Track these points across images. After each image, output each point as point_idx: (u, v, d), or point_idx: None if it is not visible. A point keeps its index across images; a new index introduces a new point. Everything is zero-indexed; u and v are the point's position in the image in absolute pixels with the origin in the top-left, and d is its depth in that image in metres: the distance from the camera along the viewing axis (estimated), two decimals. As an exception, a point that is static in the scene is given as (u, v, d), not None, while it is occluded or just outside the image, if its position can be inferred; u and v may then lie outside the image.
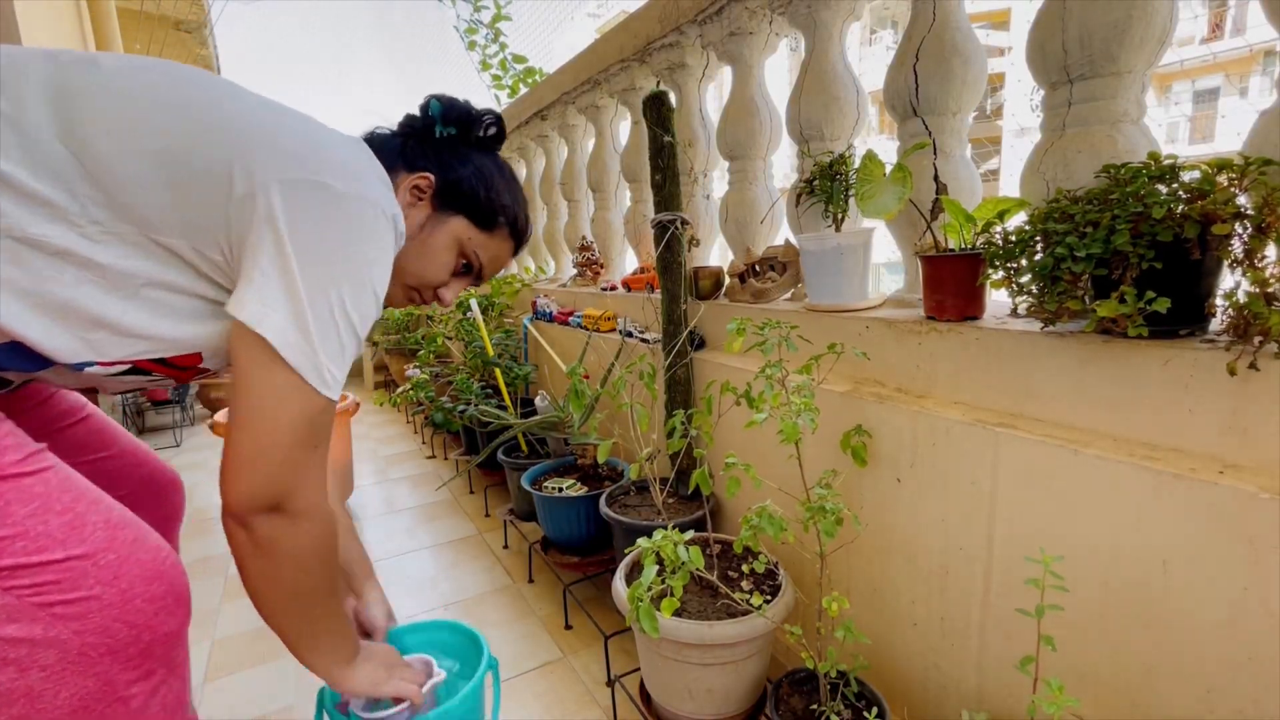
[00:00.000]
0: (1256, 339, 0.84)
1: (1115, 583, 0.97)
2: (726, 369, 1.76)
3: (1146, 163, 0.99)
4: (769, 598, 1.27)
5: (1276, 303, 0.84)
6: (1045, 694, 0.80)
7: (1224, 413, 0.89)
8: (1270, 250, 0.87)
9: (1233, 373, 0.84)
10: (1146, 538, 0.93)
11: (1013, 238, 1.10)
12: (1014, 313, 1.14)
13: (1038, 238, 1.05)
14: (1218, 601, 0.86)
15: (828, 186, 1.55)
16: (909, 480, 1.28)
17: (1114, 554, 0.97)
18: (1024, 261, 1.07)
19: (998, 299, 1.32)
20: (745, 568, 1.40)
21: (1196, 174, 0.93)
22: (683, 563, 1.07)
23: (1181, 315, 0.95)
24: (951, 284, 1.27)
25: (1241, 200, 0.90)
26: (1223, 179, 0.91)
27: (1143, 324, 0.91)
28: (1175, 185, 0.93)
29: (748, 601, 1.24)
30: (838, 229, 1.56)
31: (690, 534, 1.22)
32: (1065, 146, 1.17)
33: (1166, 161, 0.97)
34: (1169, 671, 0.93)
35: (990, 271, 1.15)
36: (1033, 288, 1.06)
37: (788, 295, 1.84)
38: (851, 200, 1.55)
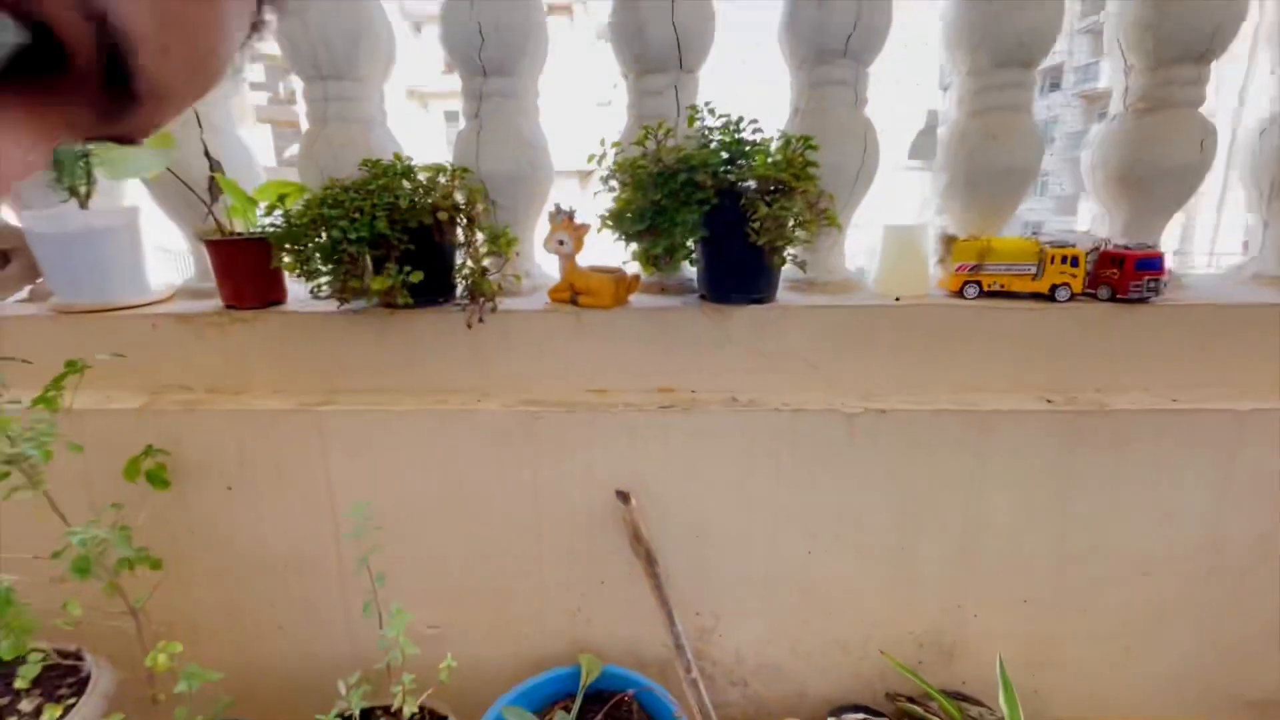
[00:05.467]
0: (481, 300, 1.15)
1: (431, 504, 1.18)
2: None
3: (393, 162, 1.18)
4: (73, 700, 0.95)
5: (488, 273, 1.17)
6: (392, 622, 0.90)
7: (472, 357, 1.19)
8: (479, 236, 1.19)
9: (469, 326, 1.14)
10: (445, 462, 1.16)
11: (296, 221, 1.12)
12: (314, 294, 1.19)
13: (318, 221, 1.11)
14: (495, 502, 1.17)
15: (53, 149, 1.18)
16: (241, 484, 1.18)
17: (426, 480, 1.17)
18: (309, 244, 1.11)
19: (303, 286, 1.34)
20: (20, 682, 0.99)
21: (426, 175, 1.18)
22: None
23: (439, 287, 1.19)
24: (246, 269, 1.20)
25: (460, 197, 1.20)
26: (443, 179, 1.18)
27: (408, 295, 1.10)
28: (413, 182, 1.15)
29: (33, 722, 0.89)
30: (83, 205, 1.23)
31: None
32: (331, 138, 1.27)
33: (407, 162, 1.19)
34: (479, 558, 1.21)
35: (282, 255, 1.15)
36: (321, 269, 1.12)
37: (23, 295, 1.34)
38: (101, 171, 1.24)
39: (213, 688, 0.98)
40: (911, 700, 1.17)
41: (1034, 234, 1.22)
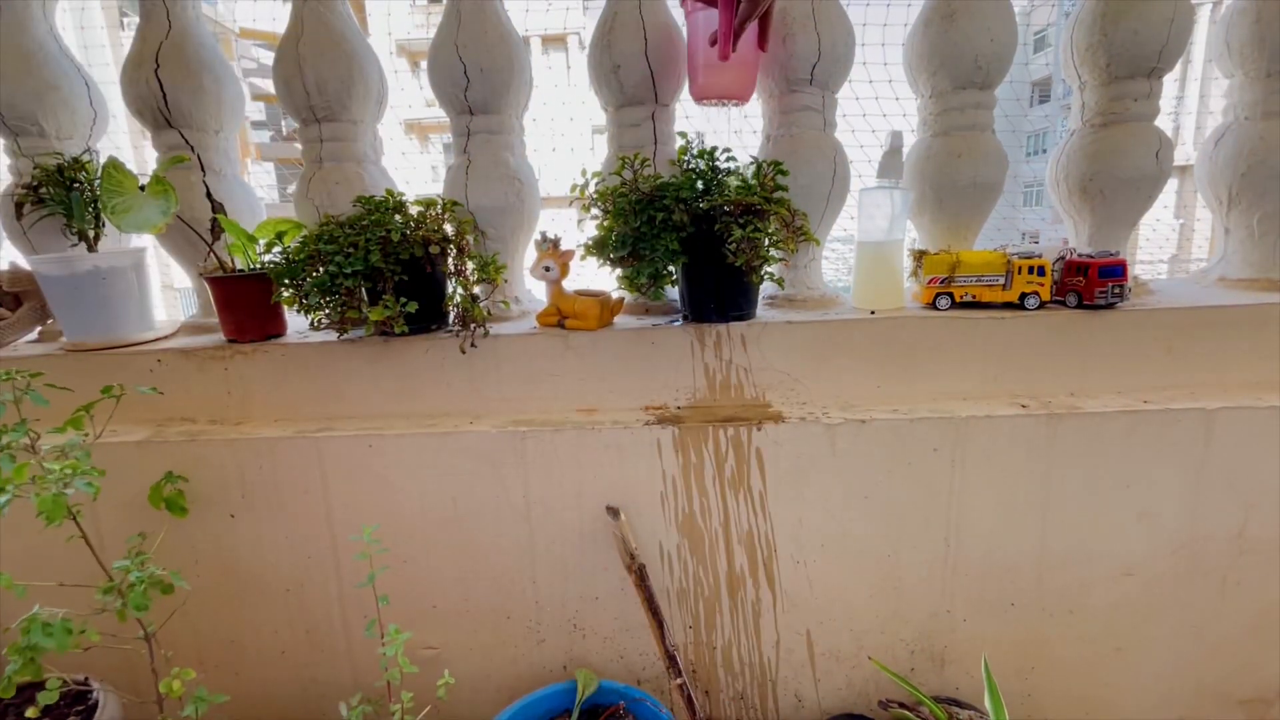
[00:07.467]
0: (472, 326, 1.19)
1: (427, 526, 1.22)
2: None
3: (385, 197, 1.24)
4: (81, 725, 0.98)
5: (478, 300, 1.21)
6: (391, 641, 0.93)
7: (465, 381, 1.23)
8: (469, 265, 1.24)
9: (463, 350, 1.18)
10: (440, 484, 1.20)
11: (294, 257, 1.17)
12: (313, 326, 1.23)
13: (315, 257, 1.16)
14: (488, 521, 1.21)
15: (64, 196, 1.25)
16: (244, 513, 1.22)
17: (422, 503, 1.21)
18: (308, 279, 1.16)
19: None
20: (32, 711, 1.02)
21: (418, 209, 1.23)
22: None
23: (431, 315, 1.24)
24: (247, 304, 1.25)
25: (450, 229, 1.25)
26: (433, 212, 1.23)
27: (405, 324, 1.15)
28: (404, 216, 1.20)
29: (43, 749, 0.92)
30: (92, 248, 1.29)
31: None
32: (326, 177, 1.33)
33: (398, 198, 1.25)
34: (474, 577, 1.24)
35: (281, 290, 1.20)
36: (320, 302, 1.17)
37: (33, 335, 1.40)
38: (110, 222, 1.30)
39: (219, 712, 1.01)
40: (903, 706, 1.18)
41: (1033, 242, 1.27)
